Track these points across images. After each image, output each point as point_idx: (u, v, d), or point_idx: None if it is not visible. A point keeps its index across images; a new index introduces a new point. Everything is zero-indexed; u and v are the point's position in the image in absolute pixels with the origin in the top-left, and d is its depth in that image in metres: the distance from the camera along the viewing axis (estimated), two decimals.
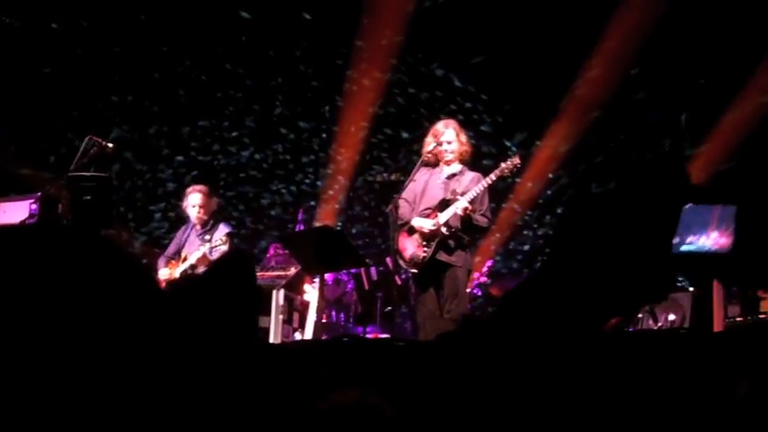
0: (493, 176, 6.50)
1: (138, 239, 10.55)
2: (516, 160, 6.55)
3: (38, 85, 10.32)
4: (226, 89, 11.26)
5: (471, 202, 6.43)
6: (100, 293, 1.02)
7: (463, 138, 6.75)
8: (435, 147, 6.66)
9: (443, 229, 6.46)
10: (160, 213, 10.87)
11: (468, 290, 7.36)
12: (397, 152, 10.89)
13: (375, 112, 11.19)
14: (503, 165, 6.55)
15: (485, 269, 8.86)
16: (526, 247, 11.07)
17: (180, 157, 11.31)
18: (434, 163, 6.76)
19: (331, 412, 1.87)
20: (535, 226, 11.11)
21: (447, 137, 6.68)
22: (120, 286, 1.06)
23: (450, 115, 10.72)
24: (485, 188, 6.51)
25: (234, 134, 11.46)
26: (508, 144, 11.04)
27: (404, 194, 6.80)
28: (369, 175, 10.90)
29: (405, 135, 11.17)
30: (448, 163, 6.70)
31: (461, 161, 6.73)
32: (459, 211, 6.39)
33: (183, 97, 11.18)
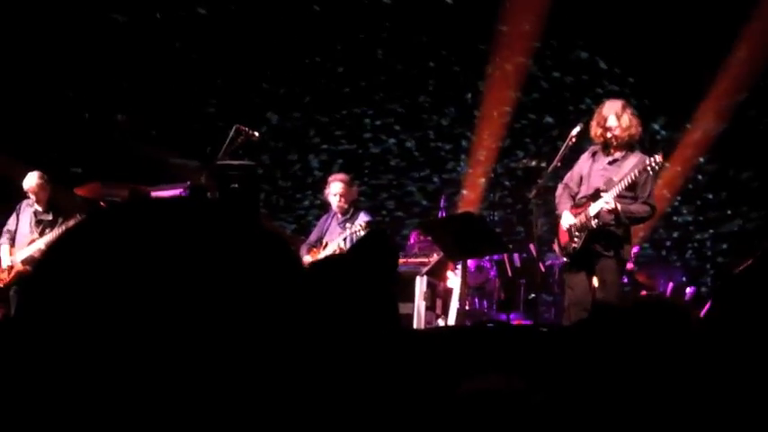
0: (638, 168, 6.24)
1: (286, 227, 10.87)
2: (658, 158, 6.26)
3: (187, 74, 10.73)
4: (371, 77, 11.44)
5: (630, 188, 6.28)
6: (248, 266, 1.04)
7: (626, 119, 6.41)
8: (601, 131, 6.44)
9: (593, 223, 6.30)
10: (308, 201, 11.17)
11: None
12: (541, 138, 10.79)
13: (518, 98, 11.14)
14: (644, 161, 6.28)
15: (631, 256, 8.61)
16: (675, 234, 10.84)
17: (326, 146, 11.59)
18: (603, 146, 6.53)
19: (474, 397, 1.88)
20: (684, 212, 10.87)
21: (609, 122, 6.40)
22: (268, 262, 1.07)
23: (596, 100, 10.69)
24: (645, 174, 6.26)
25: (378, 122, 11.65)
26: (656, 128, 10.87)
27: (566, 179, 6.71)
28: (511, 161, 10.88)
29: (548, 120, 11.08)
30: (613, 148, 6.46)
31: (627, 145, 6.45)
32: (607, 208, 6.25)
33: (331, 85, 11.44)
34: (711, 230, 10.74)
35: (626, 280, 8.35)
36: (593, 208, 6.31)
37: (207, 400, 0.97)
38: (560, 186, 6.72)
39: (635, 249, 8.79)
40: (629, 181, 6.23)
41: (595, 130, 6.48)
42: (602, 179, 6.42)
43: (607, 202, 6.23)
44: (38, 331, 0.98)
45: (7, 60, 9.84)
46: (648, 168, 6.24)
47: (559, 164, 6.84)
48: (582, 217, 6.39)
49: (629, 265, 8.47)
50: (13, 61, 9.88)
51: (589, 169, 6.55)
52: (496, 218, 10.32)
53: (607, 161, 6.50)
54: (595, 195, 6.36)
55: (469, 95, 11.36)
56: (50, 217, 8.28)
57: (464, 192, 11.10)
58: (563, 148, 6.75)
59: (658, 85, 10.54)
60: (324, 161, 11.45)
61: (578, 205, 6.50)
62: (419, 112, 11.56)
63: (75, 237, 1.05)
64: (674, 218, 10.85)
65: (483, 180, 11.05)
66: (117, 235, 1.02)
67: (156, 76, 10.67)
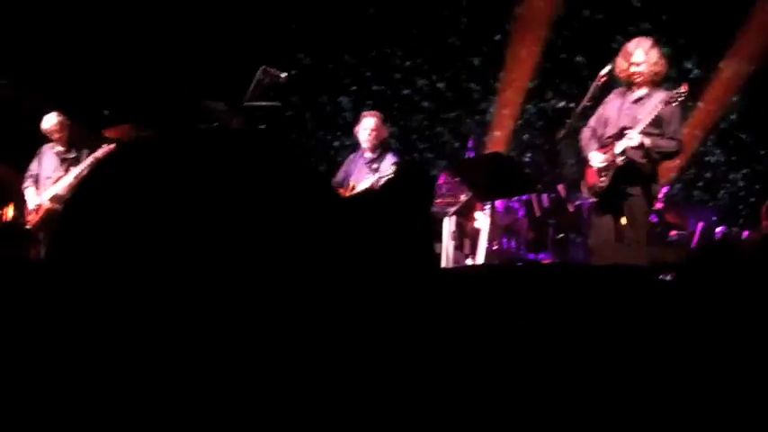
0: (662, 102, 6.23)
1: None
2: (683, 88, 6.23)
3: (216, 16, 10.76)
4: (400, 17, 11.36)
5: (656, 124, 6.26)
6: (284, 195, 1.07)
7: (654, 56, 6.42)
8: (626, 67, 6.44)
9: (619, 160, 6.31)
10: (338, 143, 11.21)
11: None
12: (571, 78, 10.62)
13: (548, 37, 11.02)
14: (670, 93, 6.26)
15: (660, 195, 8.57)
16: (708, 175, 10.80)
17: (355, 87, 11.61)
18: (627, 85, 6.53)
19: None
20: (717, 152, 10.81)
21: (635, 57, 6.40)
22: (306, 190, 1.11)
23: (628, 37, 10.60)
24: (673, 109, 6.27)
25: (408, 63, 11.61)
26: (689, 66, 10.76)
27: (591, 121, 6.71)
28: (541, 102, 10.82)
29: (579, 59, 10.94)
30: (638, 86, 6.45)
31: (652, 83, 6.44)
32: (632, 144, 6.25)
33: (360, 27, 11.41)
34: (745, 170, 10.65)
35: (656, 219, 8.37)
36: (619, 146, 6.31)
37: (243, 327, 0.99)
38: (586, 129, 6.72)
39: (665, 189, 8.80)
40: (654, 116, 6.22)
41: (621, 67, 6.49)
42: (627, 118, 6.42)
43: (631, 138, 6.23)
44: (73, 265, 1.01)
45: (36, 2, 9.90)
46: (673, 101, 6.23)
47: (588, 104, 6.78)
48: (609, 156, 6.38)
49: (659, 205, 8.50)
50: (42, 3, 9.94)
51: (614, 110, 6.55)
52: (526, 159, 10.36)
53: (632, 99, 6.49)
54: (621, 134, 6.36)
55: (498, 36, 11.23)
56: (74, 155, 8.31)
57: (493, 133, 11.04)
58: (592, 87, 6.68)
59: (691, 23, 10.41)
60: (354, 102, 11.46)
61: (604, 145, 6.49)
62: (449, 54, 11.46)
63: (107, 170, 1.09)
64: (706, 158, 10.78)
65: (512, 121, 11.00)
66: (142, 169, 1.05)
67: (186, 18, 10.68)
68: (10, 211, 9.06)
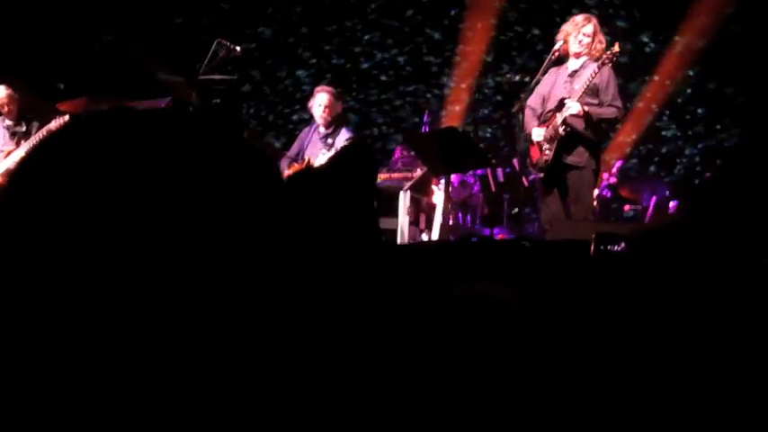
0: (596, 68, 6.35)
1: (275, 142, 10.93)
2: (616, 48, 6.37)
3: None
4: None
5: (593, 93, 6.37)
6: (224, 176, 1.05)
7: (600, 33, 6.59)
8: (568, 37, 6.58)
9: (560, 130, 6.41)
10: (297, 116, 11.21)
11: (596, 191, 7.38)
12: (527, 50, 10.72)
13: (503, 7, 11.04)
14: (603, 55, 6.40)
15: (614, 170, 8.83)
16: (664, 150, 10.88)
17: (314, 60, 11.58)
18: (563, 59, 6.69)
19: (458, 301, 1.91)
20: (673, 127, 10.88)
21: (587, 29, 6.55)
22: (244, 173, 1.09)
23: (585, 10, 10.62)
24: (605, 76, 6.39)
25: (367, 37, 11.60)
26: (645, 40, 10.83)
27: (529, 101, 6.80)
28: (497, 76, 10.88)
29: (535, 32, 10.97)
30: (576, 56, 6.59)
31: (589, 56, 6.56)
32: (572, 112, 6.34)
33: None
34: (700, 145, 10.75)
35: (609, 194, 8.50)
36: (560, 117, 6.42)
37: (191, 315, 0.98)
38: (526, 109, 6.83)
39: (619, 163, 8.94)
40: (589, 82, 6.33)
41: (564, 36, 6.63)
42: (564, 91, 6.54)
43: (569, 106, 6.33)
44: (10, 242, 0.99)
45: None
46: (607, 61, 6.36)
47: (542, 78, 6.85)
48: (550, 129, 6.50)
49: (613, 180, 8.65)
50: None
51: (551, 85, 6.67)
52: (481, 134, 10.41)
53: (567, 74, 6.63)
54: (560, 106, 6.47)
55: (455, 9, 11.25)
56: (24, 128, 8.20)
57: (449, 107, 11.08)
58: (546, 62, 6.77)
59: None
60: (312, 75, 11.43)
61: (545, 120, 6.61)
62: (407, 27, 11.48)
63: (54, 143, 1.05)
64: (662, 132, 10.87)
65: (468, 95, 10.99)
66: (96, 143, 1.03)
67: None
68: None
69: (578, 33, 6.53)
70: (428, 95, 11.38)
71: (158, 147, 1.04)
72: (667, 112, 10.78)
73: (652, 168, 10.76)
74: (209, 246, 1.00)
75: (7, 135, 8.20)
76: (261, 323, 1.04)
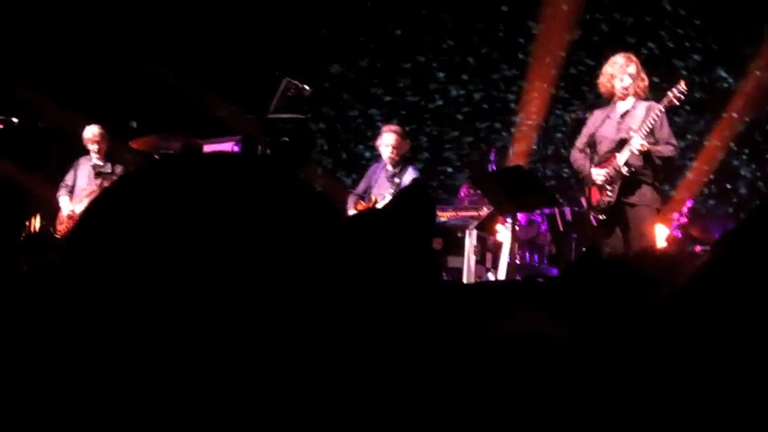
0: (662, 107, 6.45)
1: (346, 180, 11.16)
2: (682, 86, 6.44)
3: (239, 24, 11.01)
4: (424, 30, 11.63)
5: (650, 134, 6.48)
6: (286, 222, 1.09)
7: (643, 72, 6.73)
8: (613, 79, 6.68)
9: (624, 170, 6.52)
10: (369, 153, 11.45)
11: (666, 231, 7.43)
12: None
13: (574, 40, 11.10)
14: (669, 93, 6.48)
15: (684, 209, 8.83)
16: (743, 191, 10.80)
17: (389, 98, 11.87)
18: (608, 99, 6.81)
19: (506, 339, 1.86)
20: (753, 166, 10.81)
21: (630, 69, 6.67)
22: (306, 218, 1.12)
23: (659, 43, 10.67)
24: (661, 116, 6.48)
25: (441, 74, 11.84)
26: (723, 75, 10.79)
27: (578, 143, 6.93)
28: (566, 111, 10.87)
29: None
30: (622, 97, 6.71)
31: (636, 96, 6.70)
32: (635, 150, 6.43)
33: (393, 35, 11.74)
34: None
35: (680, 234, 8.52)
36: (622, 157, 6.52)
37: (251, 344, 1.03)
38: (574, 152, 6.96)
39: (689, 203, 8.94)
40: (651, 125, 6.44)
41: (607, 82, 6.75)
42: (616, 131, 6.66)
43: (633, 143, 6.42)
44: (82, 274, 1.06)
45: (65, 15, 10.24)
46: (675, 100, 6.44)
47: (587, 120, 6.99)
48: (611, 170, 6.59)
49: (683, 219, 8.65)
50: (70, 16, 10.28)
51: (601, 128, 6.74)
52: (548, 172, 10.48)
53: (619, 115, 6.74)
54: (620, 146, 6.57)
55: (522, 40, 11.36)
56: (109, 169, 8.66)
57: (516, 144, 11.13)
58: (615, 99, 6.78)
59: (724, 28, 10.46)
60: (384, 113, 11.70)
61: (603, 161, 6.70)
62: (478, 65, 11.66)
63: (124, 187, 1.13)
64: (742, 172, 10.78)
65: (534, 132, 11.09)
66: (164, 186, 1.10)
67: (215, 26, 10.95)
68: (37, 222, 9.41)
69: (623, 74, 6.65)
70: (496, 134, 11.47)
71: (223, 192, 1.10)
72: (746, 151, 10.71)
73: (731, 210, 10.61)
74: (268, 286, 1.06)
75: (93, 174, 8.68)
76: (321, 359, 1.08)
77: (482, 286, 6.83)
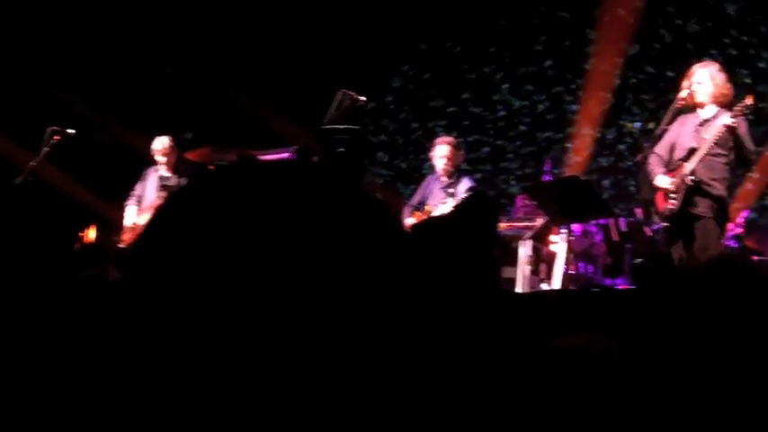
0: (729, 121, 6.52)
1: (405, 191, 11.46)
2: (748, 101, 6.56)
3: (300, 37, 11.34)
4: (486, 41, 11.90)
5: (722, 145, 6.61)
6: (345, 230, 1.10)
7: (719, 79, 6.80)
8: (689, 90, 6.80)
9: (688, 180, 6.64)
10: (428, 164, 11.69)
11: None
12: (660, 94, 10.68)
13: (633, 48, 11.16)
14: (735, 107, 6.58)
15: (740, 219, 8.89)
16: None
17: (452, 108, 12.13)
18: (691, 108, 6.89)
19: (560, 354, 1.97)
20: None
21: (698, 77, 6.79)
22: (366, 226, 1.13)
23: (723, 50, 10.76)
24: (727, 129, 6.55)
25: (505, 84, 12.07)
26: None
27: (657, 148, 7.04)
28: (625, 121, 11.06)
29: (669, 74, 10.70)
30: (701, 106, 6.81)
31: (718, 104, 6.78)
32: (702, 153, 6.57)
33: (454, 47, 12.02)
34: None
35: (735, 245, 8.62)
36: (689, 165, 6.67)
37: (316, 352, 1.06)
38: (652, 155, 7.08)
39: (745, 213, 9.05)
40: (721, 134, 6.57)
41: (685, 91, 6.86)
42: (692, 140, 6.79)
43: (705, 150, 6.58)
44: (146, 289, 1.10)
45: (118, 27, 10.65)
46: (738, 114, 6.53)
47: (667, 127, 7.08)
48: (677, 179, 6.74)
49: (739, 230, 8.73)
50: (124, 28, 10.68)
51: (681, 134, 6.92)
52: (605, 182, 10.62)
53: (697, 123, 6.85)
54: (689, 155, 6.73)
55: (582, 48, 11.48)
56: (175, 182, 8.78)
57: (571, 155, 11.28)
58: (670, 111, 7.01)
59: None
60: (444, 124, 11.96)
61: (673, 169, 6.86)
62: (541, 73, 11.88)
63: (181, 200, 1.16)
64: None
65: (591, 142, 11.21)
66: (221, 197, 1.12)
67: (276, 39, 11.29)
68: (92, 233, 9.84)
69: (702, 82, 6.79)
70: (556, 144, 11.62)
71: (280, 199, 1.12)
72: None
73: None
74: (328, 294, 1.08)
75: (159, 185, 8.88)
76: (380, 366, 1.10)
77: (540, 296, 7.10)
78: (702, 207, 6.73)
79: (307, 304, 1.07)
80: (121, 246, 8.85)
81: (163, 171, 8.96)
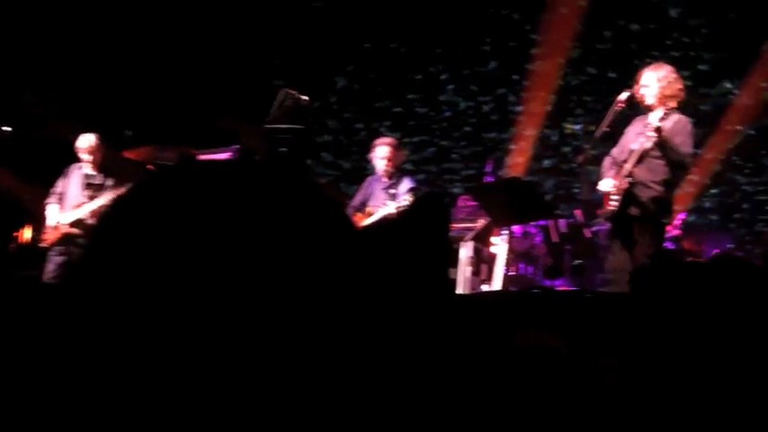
0: (654, 124, 6.65)
1: (350, 191, 11.52)
2: (622, 95, 6.83)
3: (243, 35, 11.40)
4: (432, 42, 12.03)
5: (660, 146, 6.69)
6: (297, 229, 1.09)
7: (666, 81, 6.86)
8: (634, 92, 6.90)
9: (625, 182, 6.75)
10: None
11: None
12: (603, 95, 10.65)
13: (575, 48, 11.33)
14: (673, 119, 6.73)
15: (677, 221, 8.98)
16: (745, 206, 11.06)
17: (398, 109, 12.30)
18: (645, 110, 6.93)
19: (512, 352, 2.04)
20: (756, 180, 11.07)
21: (644, 79, 6.87)
22: (318, 221, 1.12)
23: (664, 51, 10.96)
24: (654, 130, 6.65)
25: (451, 85, 12.25)
26: (729, 86, 11.06)
27: (613, 152, 7.12)
28: (567, 123, 11.25)
29: (611, 76, 11.18)
30: (650, 108, 6.88)
31: (665, 106, 6.83)
32: (636, 155, 6.68)
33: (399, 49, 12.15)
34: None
35: (672, 246, 8.77)
36: (627, 166, 6.78)
37: (265, 356, 1.05)
38: (607, 158, 7.17)
39: (682, 215, 9.20)
40: (650, 136, 6.69)
41: (625, 93, 7.00)
42: (636, 142, 6.88)
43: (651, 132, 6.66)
44: (94, 295, 1.08)
45: (61, 22, 10.60)
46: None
47: (607, 129, 7.15)
48: (618, 181, 6.83)
49: (676, 232, 8.89)
50: (66, 23, 10.64)
51: (631, 136, 7.01)
52: (544, 184, 10.77)
53: (643, 124, 6.94)
54: (630, 157, 6.82)
55: (518, 45, 11.67)
56: (100, 180, 8.63)
57: (512, 156, 11.44)
58: (610, 113, 7.07)
59: (731, 36, 10.74)
60: (389, 125, 12.10)
61: (618, 170, 6.94)
62: (486, 74, 12.06)
63: (126, 203, 1.15)
64: (744, 187, 11.11)
65: (532, 144, 11.38)
66: (167, 200, 1.12)
67: (218, 36, 11.32)
68: (28, 233, 9.73)
69: (649, 84, 6.89)
70: (501, 145, 11.75)
71: (229, 199, 1.11)
72: (751, 165, 11.03)
73: (714, 218, 10.97)
74: (281, 294, 1.06)
75: (83, 183, 8.67)
76: (325, 362, 1.09)
77: (482, 297, 7.19)
78: (642, 209, 6.82)
79: (259, 305, 1.07)
80: (43, 245, 8.66)
81: (88, 169, 8.74)
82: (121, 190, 8.09)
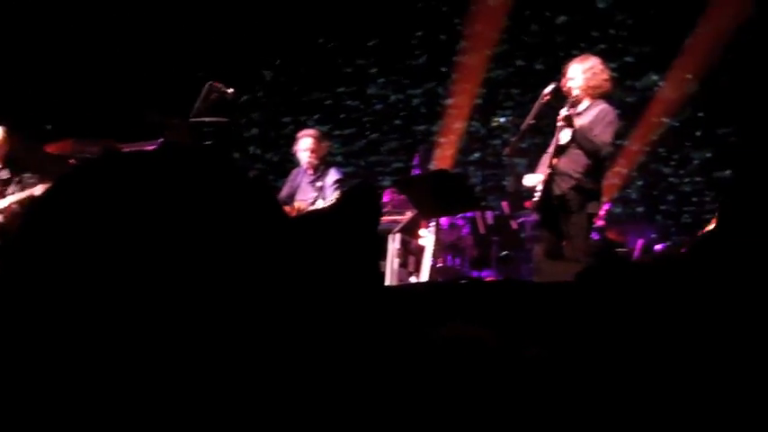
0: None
1: (275, 184, 11.51)
2: (547, 88, 6.93)
3: (163, 28, 11.38)
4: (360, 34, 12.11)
5: (580, 135, 6.77)
6: (227, 212, 1.10)
7: (590, 73, 6.97)
8: (561, 84, 7.01)
9: (548, 172, 6.86)
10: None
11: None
12: (529, 88, 10.74)
13: (503, 41, 11.44)
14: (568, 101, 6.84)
15: (602, 212, 8.97)
16: (670, 197, 11.28)
17: (327, 102, 12.37)
18: (574, 103, 6.99)
19: (438, 344, 2.04)
20: (681, 172, 11.29)
21: (570, 72, 7.00)
22: (249, 208, 1.13)
23: (591, 44, 11.13)
24: (562, 120, 6.80)
25: (381, 78, 12.35)
26: (655, 78, 11.27)
27: (550, 148, 7.11)
28: (494, 116, 11.38)
29: (538, 68, 11.40)
30: (577, 100, 6.99)
31: (590, 97, 6.97)
32: (554, 145, 6.78)
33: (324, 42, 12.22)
34: (696, 186, 11.18)
35: (597, 237, 8.95)
36: (547, 158, 6.92)
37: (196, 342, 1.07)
38: (545, 154, 7.19)
39: (606, 206, 9.34)
40: (566, 127, 6.82)
41: (551, 86, 7.09)
42: (564, 135, 6.94)
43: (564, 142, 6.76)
44: (22, 293, 1.10)
45: None
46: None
47: (533, 122, 7.21)
48: (544, 172, 6.93)
49: (600, 222, 9.04)
50: None
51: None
52: (471, 176, 10.87)
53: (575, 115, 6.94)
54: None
55: (448, 39, 11.77)
56: (7, 175, 8.40)
57: (439, 149, 11.53)
58: (536, 106, 7.14)
59: (659, 28, 10.91)
60: (318, 118, 12.15)
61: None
62: (404, 68, 12.16)
63: (48, 199, 1.17)
64: (671, 179, 11.34)
65: (459, 137, 11.50)
66: (90, 194, 1.14)
67: (144, 28, 11.28)
68: None
69: (574, 76, 7.01)
70: (430, 137, 11.85)
71: (154, 190, 1.14)
72: (675, 157, 11.25)
73: (640, 209, 11.19)
74: (212, 278, 1.09)
75: None
76: (259, 348, 1.11)
77: (409, 289, 7.21)
78: (566, 199, 6.92)
79: (192, 294, 1.07)
80: None
81: None
82: (32, 186, 8.22)
